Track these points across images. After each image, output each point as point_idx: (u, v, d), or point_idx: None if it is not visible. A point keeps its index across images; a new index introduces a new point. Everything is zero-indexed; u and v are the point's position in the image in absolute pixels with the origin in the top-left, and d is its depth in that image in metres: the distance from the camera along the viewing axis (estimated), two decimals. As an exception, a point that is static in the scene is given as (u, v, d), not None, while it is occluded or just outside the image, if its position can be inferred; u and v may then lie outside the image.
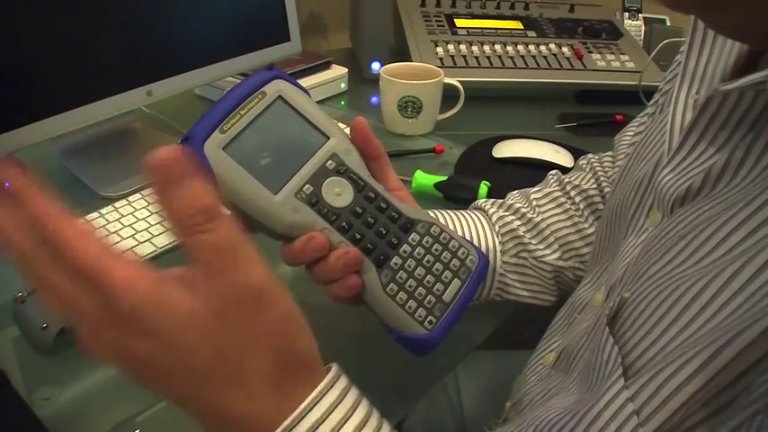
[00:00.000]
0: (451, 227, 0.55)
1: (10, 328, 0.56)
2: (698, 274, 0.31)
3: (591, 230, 0.58)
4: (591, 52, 1.11)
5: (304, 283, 0.68)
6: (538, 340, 0.55)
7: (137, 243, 0.67)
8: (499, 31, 1.15)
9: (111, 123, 0.82)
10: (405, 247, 0.44)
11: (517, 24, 1.17)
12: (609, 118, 1.02)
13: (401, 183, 0.48)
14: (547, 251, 0.57)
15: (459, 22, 1.16)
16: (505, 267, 0.57)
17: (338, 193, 0.43)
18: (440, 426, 0.74)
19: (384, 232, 0.44)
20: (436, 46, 1.08)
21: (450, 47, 1.08)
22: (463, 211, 0.59)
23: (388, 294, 0.43)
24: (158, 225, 0.69)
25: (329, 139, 0.44)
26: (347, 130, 0.47)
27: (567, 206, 0.60)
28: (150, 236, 0.68)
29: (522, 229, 0.57)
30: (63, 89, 0.72)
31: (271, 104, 0.43)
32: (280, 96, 0.43)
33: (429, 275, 0.44)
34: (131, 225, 0.69)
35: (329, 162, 0.44)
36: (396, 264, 0.43)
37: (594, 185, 0.61)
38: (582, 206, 0.60)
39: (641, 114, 0.60)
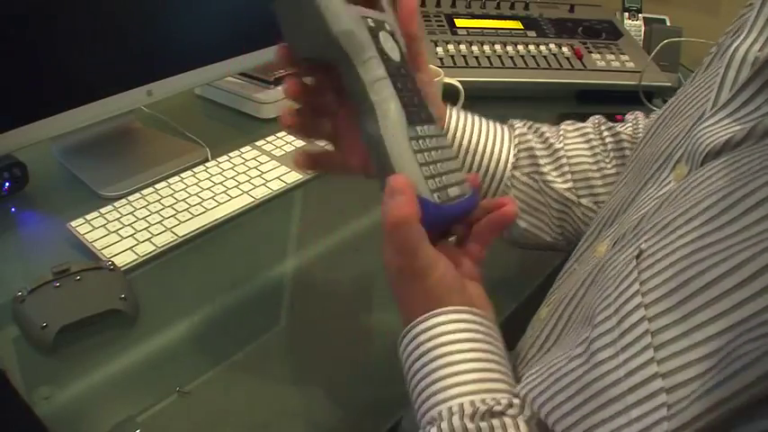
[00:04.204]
0: (472, 126, 0.55)
1: (10, 327, 0.57)
2: (727, 249, 0.29)
3: (612, 171, 0.56)
4: (591, 52, 1.11)
5: (305, 288, 0.68)
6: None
7: (136, 243, 0.67)
8: (499, 31, 1.15)
9: (111, 123, 0.82)
10: (426, 127, 0.44)
11: (517, 24, 1.17)
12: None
13: (432, 78, 0.49)
14: (558, 179, 0.55)
15: (459, 22, 1.16)
16: (513, 182, 0.55)
17: (390, 48, 0.44)
18: None
19: (416, 103, 0.44)
20: (436, 46, 1.08)
21: (450, 47, 1.08)
22: (490, 120, 0.58)
23: (412, 148, 0.42)
24: (158, 225, 0.69)
25: (385, 12, 0.46)
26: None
27: (595, 143, 0.58)
28: (150, 235, 0.68)
29: (541, 152, 0.56)
30: (63, 89, 0.72)
31: None
32: None
33: (441, 164, 0.44)
34: (131, 225, 0.69)
35: (386, 24, 0.45)
36: (421, 131, 0.43)
37: (630, 131, 0.59)
38: (610, 147, 0.58)
39: None
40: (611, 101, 1.06)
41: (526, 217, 0.56)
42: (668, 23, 1.26)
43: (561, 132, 0.58)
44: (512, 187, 0.56)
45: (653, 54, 1.08)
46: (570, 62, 1.08)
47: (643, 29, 1.23)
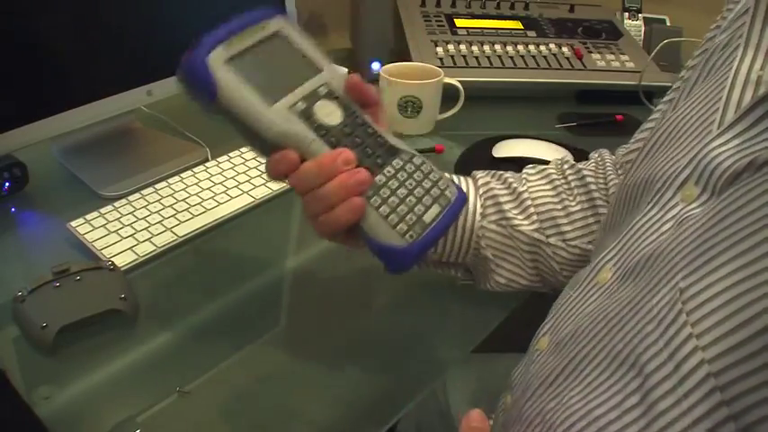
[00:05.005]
0: None
1: (10, 327, 0.57)
2: None
3: (576, 208, 0.57)
4: (591, 52, 1.11)
5: (305, 288, 0.68)
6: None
7: (137, 243, 0.67)
8: (499, 31, 1.15)
9: (111, 123, 0.82)
10: (388, 168, 0.46)
11: (517, 24, 1.17)
12: (609, 118, 1.02)
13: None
14: (524, 221, 0.56)
15: (459, 22, 1.16)
16: (484, 232, 0.57)
17: (328, 114, 0.46)
18: (431, 431, 0.74)
19: (370, 152, 0.46)
20: (436, 46, 1.08)
21: (450, 47, 1.08)
22: (454, 175, 0.59)
23: (372, 206, 0.45)
24: (158, 225, 0.69)
25: (322, 71, 0.48)
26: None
27: (558, 183, 0.59)
28: (150, 235, 0.68)
29: (505, 198, 0.57)
30: (63, 89, 0.72)
31: (271, 35, 0.47)
32: (280, 30, 0.48)
33: (410, 197, 0.46)
34: (131, 225, 0.69)
35: (321, 88, 0.47)
36: (380, 180, 0.46)
37: (592, 169, 0.60)
38: (573, 185, 0.59)
39: (641, 129, 0.60)
40: (611, 101, 1.06)
41: (501, 271, 0.58)
42: (668, 23, 1.26)
43: (524, 177, 0.60)
44: (483, 237, 0.57)
45: (653, 54, 1.08)
46: (570, 62, 1.08)
47: (643, 29, 1.23)
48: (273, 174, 0.46)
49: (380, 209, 0.45)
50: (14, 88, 0.68)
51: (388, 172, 0.46)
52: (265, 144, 0.45)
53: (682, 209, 0.37)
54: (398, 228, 0.45)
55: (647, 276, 0.36)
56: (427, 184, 0.47)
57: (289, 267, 0.69)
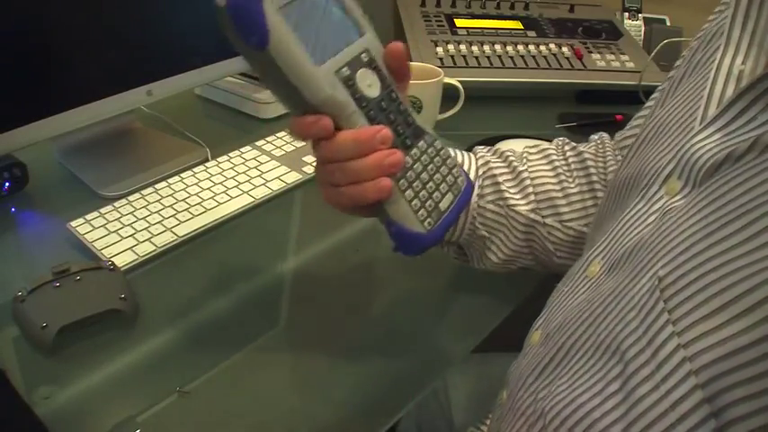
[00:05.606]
0: None
1: (10, 327, 0.57)
2: (757, 262, 0.29)
3: (575, 190, 0.57)
4: (591, 52, 1.11)
5: (305, 288, 0.68)
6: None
7: (137, 243, 0.67)
8: (499, 31, 1.15)
9: (111, 123, 0.82)
10: (415, 150, 0.47)
11: (517, 24, 1.17)
12: (609, 118, 1.02)
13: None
14: (521, 201, 0.56)
15: (459, 22, 1.16)
16: (481, 211, 0.57)
17: (369, 85, 0.45)
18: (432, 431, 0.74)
19: (401, 131, 0.46)
20: (436, 46, 1.08)
21: (450, 47, 1.08)
22: (456, 150, 0.59)
23: (399, 189, 0.45)
24: (158, 225, 0.69)
25: (365, 35, 0.46)
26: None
27: (557, 163, 0.59)
28: (150, 235, 0.68)
29: (504, 177, 0.57)
30: (63, 89, 0.72)
31: None
32: None
33: (431, 182, 0.47)
34: (131, 225, 0.69)
35: (364, 55, 0.45)
36: (407, 163, 0.46)
37: (593, 152, 0.60)
38: (573, 166, 0.59)
39: (637, 116, 0.60)
40: (611, 101, 1.06)
41: (494, 249, 0.58)
42: (668, 23, 1.26)
43: (524, 155, 0.59)
44: (479, 216, 0.57)
45: (653, 54, 1.08)
46: (570, 62, 1.08)
47: (643, 29, 1.23)
48: (301, 135, 0.44)
49: (406, 192, 0.45)
50: (15, 88, 0.67)
51: (414, 155, 0.46)
52: (302, 104, 0.42)
53: (666, 201, 0.38)
54: (419, 214, 0.45)
55: (630, 266, 0.37)
56: (444, 170, 0.48)
57: (288, 267, 0.69)
